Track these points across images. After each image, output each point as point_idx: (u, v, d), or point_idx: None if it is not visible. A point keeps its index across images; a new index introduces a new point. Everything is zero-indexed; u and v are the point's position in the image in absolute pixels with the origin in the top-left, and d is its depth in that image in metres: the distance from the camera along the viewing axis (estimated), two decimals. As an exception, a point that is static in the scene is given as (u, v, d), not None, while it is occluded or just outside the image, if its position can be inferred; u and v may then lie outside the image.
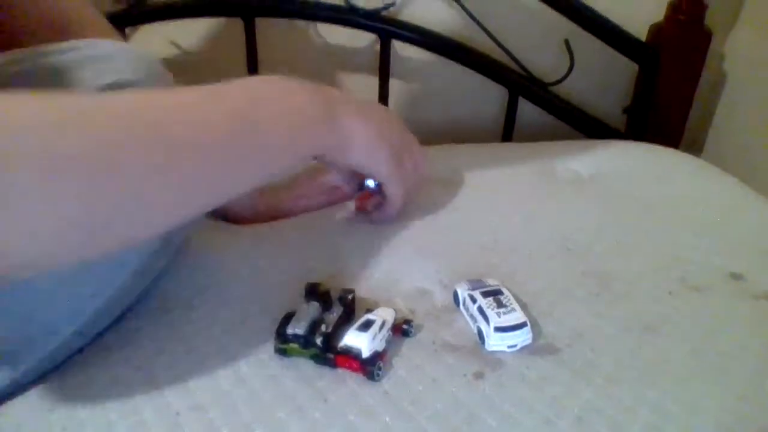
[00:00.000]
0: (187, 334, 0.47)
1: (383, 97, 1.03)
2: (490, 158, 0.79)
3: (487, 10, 0.97)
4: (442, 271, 0.55)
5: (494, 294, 0.48)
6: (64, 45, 0.47)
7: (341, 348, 0.43)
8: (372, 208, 0.62)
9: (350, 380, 0.43)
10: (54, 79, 0.45)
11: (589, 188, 0.72)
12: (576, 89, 1.06)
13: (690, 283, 0.54)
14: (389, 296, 0.52)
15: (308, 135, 0.49)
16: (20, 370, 0.42)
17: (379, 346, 0.44)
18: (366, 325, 0.44)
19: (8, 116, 0.30)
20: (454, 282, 0.52)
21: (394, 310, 0.47)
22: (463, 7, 0.95)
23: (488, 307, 0.47)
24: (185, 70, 1.02)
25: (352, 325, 0.44)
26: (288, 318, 0.45)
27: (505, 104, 1.04)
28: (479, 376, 0.44)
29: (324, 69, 1.06)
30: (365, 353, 0.42)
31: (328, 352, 0.43)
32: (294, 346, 0.44)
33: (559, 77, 0.99)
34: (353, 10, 0.94)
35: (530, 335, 0.46)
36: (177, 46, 1.02)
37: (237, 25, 0.97)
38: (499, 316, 0.46)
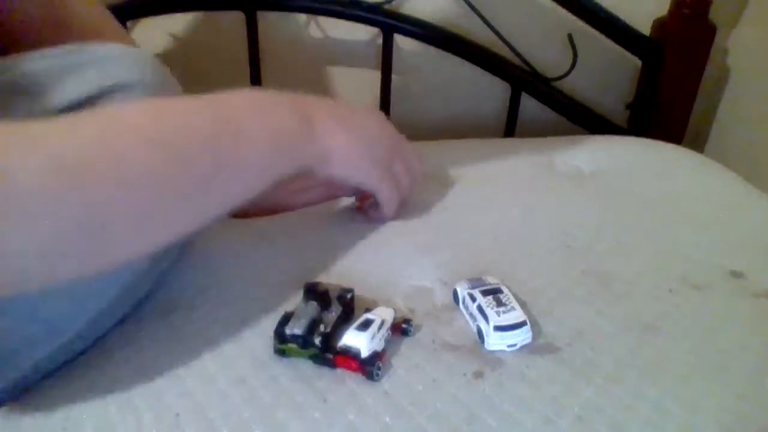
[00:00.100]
0: (187, 334, 0.47)
1: (385, 92, 1.03)
2: (490, 153, 0.79)
3: (491, 5, 0.97)
4: (441, 269, 0.55)
5: (494, 293, 0.48)
6: (68, 47, 0.47)
7: (340, 348, 0.43)
8: (368, 207, 0.62)
9: (350, 380, 0.43)
10: (57, 80, 0.45)
11: (589, 184, 0.72)
12: (579, 85, 1.05)
13: (690, 281, 0.54)
14: (388, 295, 0.51)
15: (288, 153, 0.49)
16: (20, 371, 0.42)
17: (378, 345, 0.44)
18: (365, 325, 0.44)
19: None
20: (454, 280, 0.52)
21: (394, 309, 0.47)
22: (466, 1, 0.95)
23: (488, 306, 0.47)
24: (186, 63, 1.02)
25: (351, 324, 0.44)
26: (287, 318, 0.45)
27: (508, 99, 1.04)
28: (479, 375, 0.44)
29: (326, 63, 1.05)
30: (364, 353, 0.42)
31: (327, 352, 0.43)
32: (293, 346, 0.44)
33: (562, 72, 0.99)
34: (355, 3, 0.94)
35: (530, 334, 0.46)
36: (178, 39, 1.02)
37: (239, 18, 0.97)
38: (499, 315, 0.46)
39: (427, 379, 0.43)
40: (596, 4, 0.94)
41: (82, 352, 0.46)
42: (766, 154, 0.98)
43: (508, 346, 0.46)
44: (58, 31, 0.58)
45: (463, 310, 0.49)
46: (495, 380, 0.43)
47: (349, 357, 0.43)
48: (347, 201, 0.65)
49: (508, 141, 0.94)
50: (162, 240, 0.41)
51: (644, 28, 0.98)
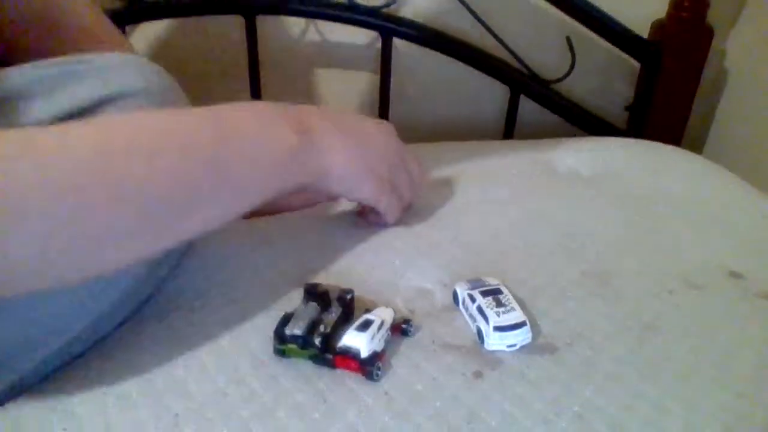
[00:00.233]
0: (186, 335, 0.47)
1: (384, 95, 1.03)
2: (490, 155, 0.79)
3: (489, 8, 0.97)
4: (441, 270, 0.55)
5: (493, 293, 0.48)
6: (70, 57, 0.47)
7: (340, 348, 0.43)
8: (369, 212, 0.62)
9: (349, 380, 0.43)
10: (51, 90, 0.45)
11: (589, 185, 0.72)
12: (578, 87, 1.06)
13: (690, 281, 0.54)
14: (388, 296, 0.51)
15: (287, 170, 0.48)
16: (19, 373, 0.42)
17: (378, 346, 0.44)
18: (365, 325, 0.44)
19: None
20: (453, 281, 0.52)
21: (393, 310, 0.47)
22: (464, 4, 0.95)
23: (487, 307, 0.47)
24: (186, 68, 1.02)
25: (351, 325, 0.44)
26: (286, 319, 0.45)
27: (507, 102, 1.04)
28: (479, 375, 0.44)
29: (325, 67, 1.06)
30: (364, 353, 0.42)
31: (326, 353, 0.43)
32: (292, 346, 0.44)
33: (560, 75, 0.99)
34: (354, 7, 0.94)
35: (530, 334, 0.46)
36: (177, 44, 1.02)
37: (238, 22, 0.97)
38: (499, 316, 0.46)
39: (427, 379, 0.43)
40: (594, 6, 0.95)
41: (81, 354, 0.46)
42: (764, 155, 0.99)
43: (508, 346, 0.46)
44: (52, 35, 0.58)
45: (463, 311, 0.49)
46: (495, 380, 0.43)
47: (349, 357, 0.43)
48: (348, 204, 0.65)
49: (508, 142, 0.94)
50: (154, 251, 0.42)
51: (642, 30, 0.99)
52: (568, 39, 0.98)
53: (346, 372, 0.43)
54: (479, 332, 0.46)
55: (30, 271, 0.34)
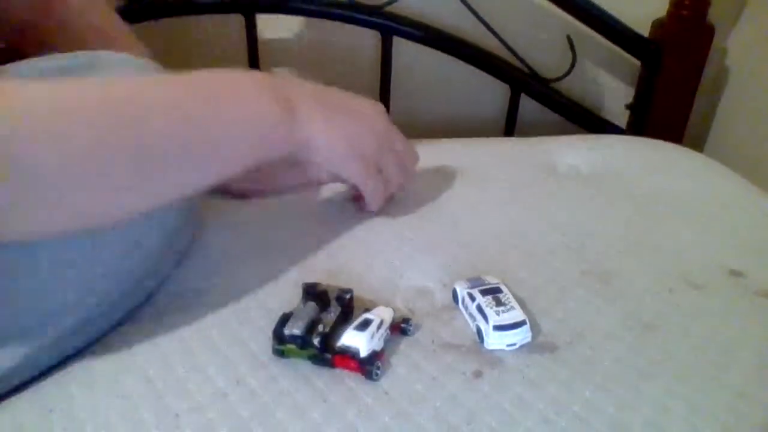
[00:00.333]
0: (185, 335, 0.47)
1: (384, 94, 1.03)
2: (489, 153, 0.79)
3: (490, 7, 0.97)
4: (441, 269, 0.55)
5: (493, 292, 0.48)
6: (74, 53, 0.47)
7: (339, 348, 0.43)
8: (359, 197, 0.61)
9: (349, 380, 0.43)
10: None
11: (589, 184, 0.71)
12: (578, 86, 1.06)
13: (690, 281, 0.54)
14: (388, 295, 0.51)
15: (266, 139, 0.49)
16: (13, 361, 0.42)
17: (378, 345, 0.44)
18: (364, 325, 0.44)
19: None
20: (453, 280, 0.52)
21: (393, 309, 0.47)
22: (465, 3, 0.95)
23: (487, 306, 0.46)
24: (185, 67, 1.02)
25: (350, 324, 0.44)
26: (285, 318, 0.45)
27: (507, 101, 1.04)
28: (478, 374, 0.44)
29: (325, 66, 1.06)
30: (363, 353, 0.42)
31: (325, 353, 0.43)
32: (291, 346, 0.44)
33: (561, 74, 0.99)
34: (355, 6, 0.94)
35: (529, 334, 0.46)
36: (177, 43, 1.02)
37: (238, 21, 0.97)
38: (498, 315, 0.46)
39: (427, 379, 0.43)
40: (595, 5, 0.94)
41: (80, 351, 0.46)
42: (764, 155, 0.98)
43: (508, 345, 0.46)
44: (61, 32, 0.58)
45: (463, 310, 0.49)
46: (494, 379, 0.43)
47: (348, 357, 0.43)
48: (347, 204, 0.65)
49: (508, 141, 0.94)
50: (124, 210, 0.42)
51: (643, 29, 0.99)
52: (569, 38, 0.97)
53: (346, 372, 0.43)
54: (479, 331, 0.46)
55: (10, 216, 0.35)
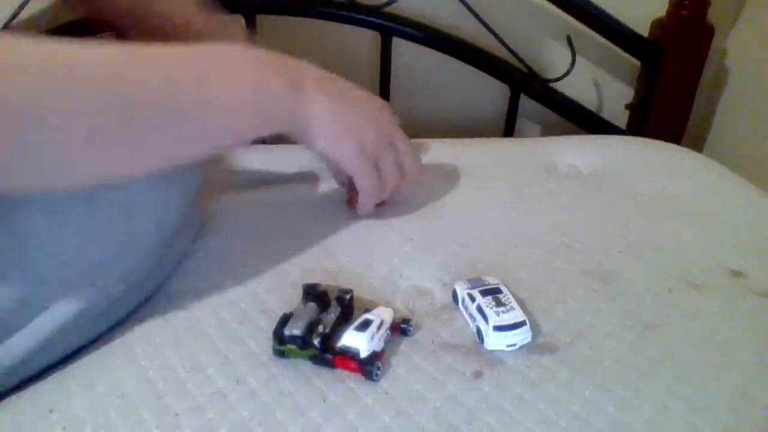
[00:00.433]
0: (185, 336, 0.47)
1: (384, 95, 1.03)
2: (489, 153, 0.79)
3: (490, 7, 0.97)
4: (441, 269, 0.55)
5: (493, 293, 0.48)
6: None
7: (339, 348, 0.43)
8: (356, 201, 0.61)
9: (349, 380, 0.43)
10: None
11: (589, 184, 0.72)
12: (578, 86, 1.06)
13: (690, 281, 0.54)
14: (388, 296, 0.51)
15: (266, 114, 0.49)
16: (11, 360, 0.42)
17: (378, 345, 0.44)
18: (364, 325, 0.44)
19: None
20: (453, 280, 0.52)
21: (393, 309, 0.47)
22: (464, 3, 0.95)
23: (487, 306, 0.46)
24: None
25: (350, 325, 0.44)
26: (286, 319, 0.45)
27: (507, 101, 1.04)
28: (478, 375, 0.44)
29: (325, 66, 1.05)
30: (363, 353, 0.42)
31: (326, 353, 0.43)
32: (292, 347, 0.44)
33: (561, 74, 0.99)
34: (354, 6, 0.94)
35: (529, 334, 0.46)
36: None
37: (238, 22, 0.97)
38: (498, 315, 0.46)
39: (427, 379, 0.43)
40: (594, 5, 0.94)
41: (79, 350, 0.46)
42: (764, 155, 0.99)
43: (508, 345, 0.46)
44: (156, 31, 0.60)
45: (463, 310, 0.49)
46: (494, 380, 0.43)
47: (349, 357, 0.43)
48: (341, 197, 0.65)
49: (508, 141, 0.94)
50: (119, 171, 0.42)
51: (643, 29, 0.99)
52: (569, 38, 0.97)
53: (346, 372, 0.43)
54: (479, 332, 0.46)
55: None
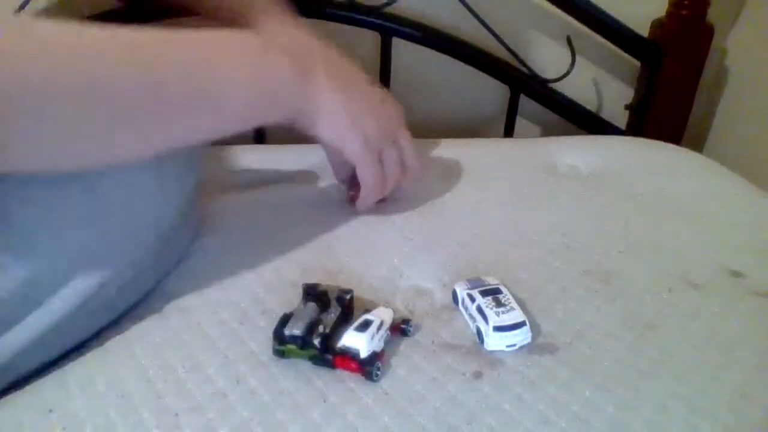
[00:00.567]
0: (186, 335, 0.47)
1: (384, 95, 1.02)
2: (489, 153, 0.79)
3: (490, 7, 0.97)
4: (441, 269, 0.55)
5: (493, 293, 0.48)
6: None
7: (339, 348, 0.43)
8: (357, 196, 0.61)
9: (349, 380, 0.43)
10: None
11: (589, 184, 0.72)
12: (578, 86, 1.05)
13: (690, 281, 0.54)
14: (388, 296, 0.52)
15: (273, 100, 0.50)
16: (6, 356, 0.42)
17: (378, 346, 0.44)
18: (364, 326, 0.44)
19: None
20: (453, 281, 0.52)
21: (393, 309, 0.47)
22: (464, 3, 0.95)
23: (487, 307, 0.46)
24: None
25: (350, 325, 0.44)
26: (286, 319, 0.45)
27: (507, 101, 1.04)
28: (478, 375, 0.44)
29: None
30: (363, 353, 0.42)
31: (326, 353, 0.43)
32: (292, 347, 0.44)
33: (560, 74, 0.99)
34: (354, 7, 0.94)
35: (529, 334, 0.46)
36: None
37: (237, 23, 0.97)
38: (498, 316, 0.46)
39: (427, 380, 0.43)
40: (594, 5, 0.94)
41: (79, 347, 0.46)
42: (764, 155, 0.99)
43: (508, 346, 0.46)
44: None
45: (463, 311, 0.49)
46: (494, 380, 0.43)
47: (349, 357, 0.43)
48: (346, 205, 0.65)
49: (508, 141, 0.94)
50: (125, 153, 0.43)
51: (642, 29, 0.99)
52: (568, 38, 0.97)
53: (346, 372, 0.43)
54: (479, 332, 0.46)
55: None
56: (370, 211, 0.62)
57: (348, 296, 0.47)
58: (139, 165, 0.45)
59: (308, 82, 0.51)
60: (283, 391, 0.42)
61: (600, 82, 1.10)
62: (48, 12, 0.90)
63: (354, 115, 0.54)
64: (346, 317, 0.47)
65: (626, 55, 1.00)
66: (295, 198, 0.67)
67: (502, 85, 1.02)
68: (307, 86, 0.51)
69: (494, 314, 0.46)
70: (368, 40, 1.00)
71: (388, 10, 0.95)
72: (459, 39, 0.98)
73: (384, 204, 0.63)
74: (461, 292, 0.49)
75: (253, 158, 0.76)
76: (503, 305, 0.47)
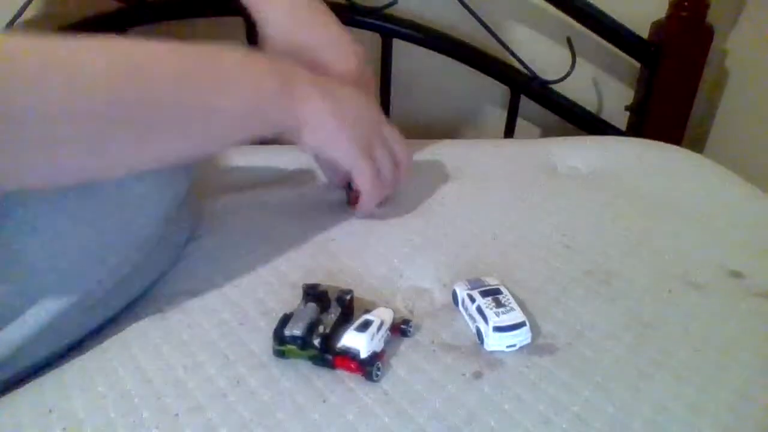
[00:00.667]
0: (185, 336, 0.47)
1: (385, 96, 1.03)
2: (489, 154, 0.79)
3: (490, 9, 0.97)
4: (441, 269, 0.55)
5: (493, 293, 0.48)
6: None
7: (339, 349, 0.43)
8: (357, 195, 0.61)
9: (349, 380, 0.43)
10: None
11: (589, 184, 0.72)
12: (578, 87, 1.06)
13: (690, 281, 0.54)
14: (388, 296, 0.52)
15: (263, 114, 0.49)
16: (10, 350, 0.42)
17: (378, 346, 0.44)
18: (364, 326, 0.44)
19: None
20: (453, 281, 0.52)
21: (393, 310, 0.47)
22: (464, 5, 0.95)
23: (487, 307, 0.46)
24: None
25: (351, 325, 0.44)
26: (286, 319, 0.45)
27: (507, 102, 1.04)
28: (478, 375, 0.44)
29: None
30: (363, 354, 0.42)
31: (326, 353, 0.43)
32: (292, 347, 0.44)
33: (561, 75, 0.99)
34: (354, 8, 0.94)
35: (529, 335, 0.46)
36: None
37: (238, 24, 0.97)
38: (498, 316, 0.46)
39: (427, 380, 0.43)
40: (594, 7, 0.95)
41: (79, 345, 0.46)
42: (764, 156, 0.99)
43: (508, 346, 0.46)
44: None
45: (463, 311, 0.49)
46: (494, 380, 0.43)
47: (349, 358, 0.43)
48: (341, 197, 0.65)
49: (508, 141, 0.94)
50: (116, 168, 0.43)
51: (642, 30, 0.99)
52: (569, 39, 0.98)
53: (346, 372, 0.43)
54: (479, 332, 0.46)
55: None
56: (371, 215, 0.62)
57: (348, 296, 0.47)
58: None
59: (292, 95, 0.51)
60: (283, 392, 0.42)
61: (600, 83, 1.10)
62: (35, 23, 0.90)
63: (339, 122, 0.54)
64: (346, 317, 0.47)
65: (626, 56, 1.00)
66: (295, 198, 0.67)
67: (503, 86, 1.02)
68: (292, 99, 0.51)
69: (494, 314, 0.46)
70: (369, 41, 1.00)
71: (389, 11, 0.95)
72: (459, 40, 0.98)
73: (383, 207, 0.63)
74: (461, 292, 0.49)
75: (253, 158, 0.76)
76: (503, 306, 0.47)
